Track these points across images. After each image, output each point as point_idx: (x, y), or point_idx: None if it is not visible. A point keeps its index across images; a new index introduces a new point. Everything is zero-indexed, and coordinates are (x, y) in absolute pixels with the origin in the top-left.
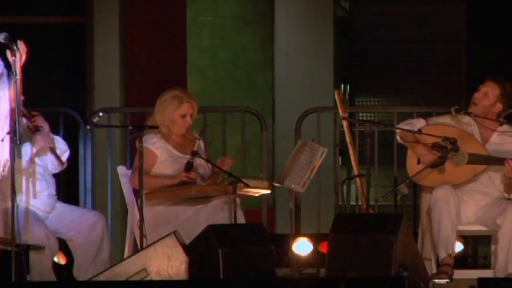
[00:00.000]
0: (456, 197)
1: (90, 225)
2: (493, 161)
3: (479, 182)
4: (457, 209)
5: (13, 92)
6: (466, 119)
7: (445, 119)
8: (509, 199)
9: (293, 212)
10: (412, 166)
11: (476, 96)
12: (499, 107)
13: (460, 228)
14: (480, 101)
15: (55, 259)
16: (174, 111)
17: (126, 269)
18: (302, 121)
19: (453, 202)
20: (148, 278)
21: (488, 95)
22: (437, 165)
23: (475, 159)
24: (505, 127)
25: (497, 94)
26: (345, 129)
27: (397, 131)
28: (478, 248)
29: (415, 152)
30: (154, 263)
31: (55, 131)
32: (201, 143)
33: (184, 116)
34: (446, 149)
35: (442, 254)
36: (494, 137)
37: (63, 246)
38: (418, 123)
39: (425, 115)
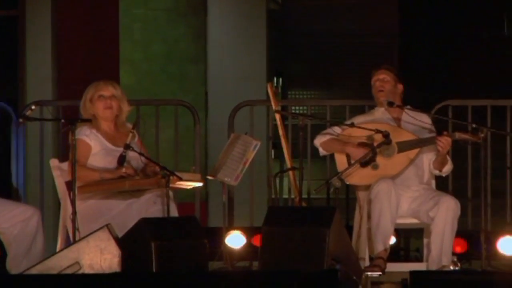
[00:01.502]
0: (396, 191)
1: (25, 218)
2: (421, 143)
3: (409, 173)
4: (397, 203)
5: None
6: (384, 112)
7: (365, 117)
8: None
9: (226, 205)
10: (343, 165)
11: (379, 84)
12: (400, 87)
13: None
14: (384, 86)
15: None
16: (93, 94)
17: (59, 263)
18: (235, 114)
19: (394, 196)
20: (80, 271)
21: (386, 79)
22: (368, 162)
23: (404, 146)
24: (410, 112)
25: (392, 76)
26: (278, 122)
27: (318, 144)
28: (410, 241)
29: (346, 153)
30: (87, 257)
31: None
32: (135, 136)
33: (103, 97)
34: (372, 145)
35: (379, 248)
36: (403, 124)
37: None
38: (335, 130)
39: (358, 109)
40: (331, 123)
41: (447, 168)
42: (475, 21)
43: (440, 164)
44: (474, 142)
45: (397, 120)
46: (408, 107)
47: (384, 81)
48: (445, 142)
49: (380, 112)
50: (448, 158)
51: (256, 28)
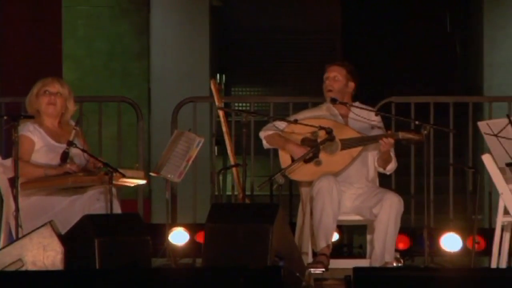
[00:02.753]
0: (338, 187)
1: None
2: (365, 141)
3: (353, 170)
4: (339, 199)
5: None
6: (331, 109)
7: (311, 113)
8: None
9: (169, 202)
10: (286, 161)
11: (328, 83)
12: (351, 85)
13: (338, 218)
14: (333, 86)
15: None
16: (40, 89)
17: (1, 259)
18: (178, 111)
19: (335, 192)
20: (23, 268)
21: (337, 77)
22: (311, 158)
23: (348, 143)
24: (358, 110)
25: (344, 74)
26: (221, 119)
27: (263, 137)
28: (353, 237)
29: (288, 150)
30: (30, 253)
31: None
32: (78, 133)
33: (48, 93)
34: (316, 142)
35: (322, 244)
36: (350, 121)
37: None
38: (280, 125)
39: (301, 105)
40: (275, 119)
41: (391, 167)
42: (418, 18)
43: (384, 162)
44: (417, 141)
45: (344, 117)
46: (357, 103)
47: (334, 80)
48: (386, 141)
49: (327, 108)
50: (393, 156)
51: (199, 25)
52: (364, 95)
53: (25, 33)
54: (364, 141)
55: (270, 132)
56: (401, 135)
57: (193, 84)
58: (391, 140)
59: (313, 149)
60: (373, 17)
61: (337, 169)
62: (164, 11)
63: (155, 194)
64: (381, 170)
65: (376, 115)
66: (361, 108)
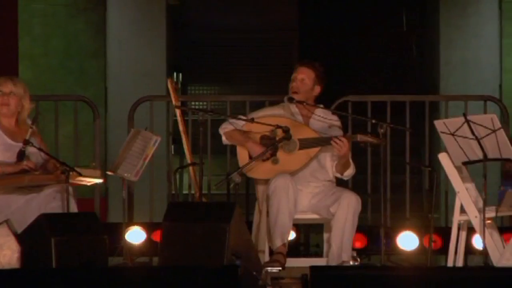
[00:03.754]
0: (295, 186)
1: None
2: (322, 141)
3: (310, 169)
4: (295, 198)
5: None
6: (291, 107)
7: (272, 111)
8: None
9: (126, 201)
10: (244, 159)
11: (295, 85)
12: (317, 89)
13: (294, 216)
14: (300, 88)
15: None
16: None
17: None
18: (135, 110)
19: (291, 191)
20: None
21: (305, 81)
22: (269, 157)
23: (306, 143)
24: (319, 110)
25: (313, 77)
26: (178, 118)
27: (222, 132)
28: (310, 236)
29: (246, 148)
30: None
31: None
32: (34, 132)
33: (1, 93)
34: (275, 140)
35: (278, 243)
36: (311, 121)
37: None
38: (237, 124)
39: (258, 104)
40: (232, 117)
41: (349, 172)
42: (374, 17)
43: (342, 168)
44: (375, 144)
45: (306, 117)
46: (321, 106)
47: (302, 82)
48: (339, 143)
49: (287, 107)
50: (351, 162)
51: (156, 24)
52: (321, 94)
53: None
54: (322, 141)
55: (230, 128)
56: (359, 137)
57: (150, 83)
58: (345, 141)
59: (270, 147)
60: (330, 15)
61: (293, 168)
62: (120, 10)
63: (111, 193)
64: (338, 175)
65: (333, 114)
66: (321, 108)
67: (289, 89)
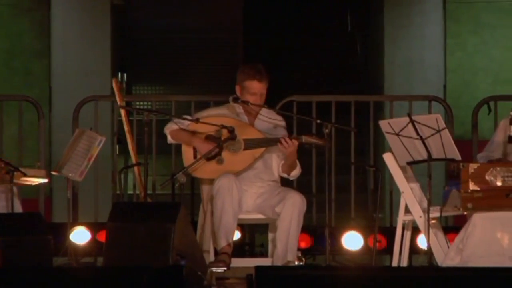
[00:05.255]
0: (239, 186)
1: None
2: (268, 142)
3: (255, 169)
4: (240, 198)
5: None
6: (237, 108)
7: (218, 110)
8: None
9: (71, 201)
10: (189, 159)
11: (255, 99)
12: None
13: (239, 216)
14: (261, 100)
15: None
16: None
17: None
18: (79, 110)
19: (235, 191)
20: None
21: (263, 93)
22: (214, 156)
23: (251, 144)
24: (264, 110)
25: (267, 87)
26: (123, 118)
27: (168, 132)
28: (255, 236)
29: (193, 146)
30: None
31: None
32: None
33: None
34: (220, 139)
35: (222, 243)
36: (257, 121)
37: None
38: (182, 124)
39: (203, 104)
40: (177, 117)
41: (295, 173)
42: (319, 17)
43: (289, 168)
44: (320, 146)
45: (251, 117)
46: (266, 106)
47: (262, 95)
48: (285, 144)
49: (234, 107)
50: (298, 163)
51: (101, 23)
52: (266, 94)
53: None
54: (267, 142)
55: (176, 127)
56: (305, 138)
57: (95, 82)
58: (291, 142)
59: (215, 148)
60: (274, 16)
61: (238, 169)
62: (65, 10)
63: (56, 193)
64: (284, 175)
65: (277, 114)
66: (266, 108)
67: (246, 95)
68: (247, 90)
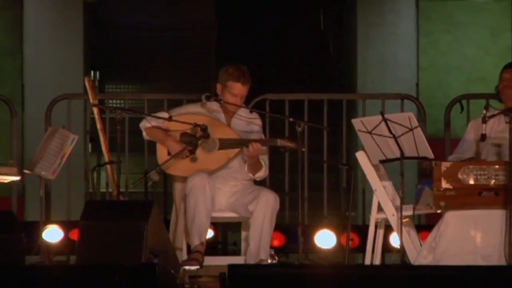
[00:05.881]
0: (212, 185)
1: None
2: (242, 143)
3: (230, 168)
4: (212, 197)
5: None
6: (214, 106)
7: (194, 108)
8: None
9: (43, 199)
10: (163, 156)
11: (236, 101)
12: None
13: (212, 215)
14: (240, 102)
15: None
16: None
17: None
18: (52, 108)
19: (208, 190)
20: None
21: (243, 94)
22: (188, 154)
23: (226, 144)
24: (242, 110)
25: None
26: (96, 116)
27: (143, 128)
28: (228, 234)
29: (166, 145)
30: None
31: None
32: None
33: None
34: (195, 137)
35: (195, 241)
36: (233, 120)
37: None
38: (162, 115)
39: (176, 102)
40: (149, 116)
41: (260, 174)
42: (292, 14)
43: (252, 169)
44: (294, 149)
45: (228, 116)
46: (243, 105)
47: (242, 97)
48: (251, 148)
49: (212, 105)
50: (263, 164)
51: (73, 22)
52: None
53: None
54: (242, 143)
55: (151, 124)
56: (280, 142)
57: (67, 81)
58: (259, 146)
59: (189, 145)
60: (248, 14)
61: (211, 168)
62: (37, 8)
63: (29, 191)
64: (250, 175)
65: (250, 112)
66: (244, 107)
67: (228, 97)
68: (229, 90)
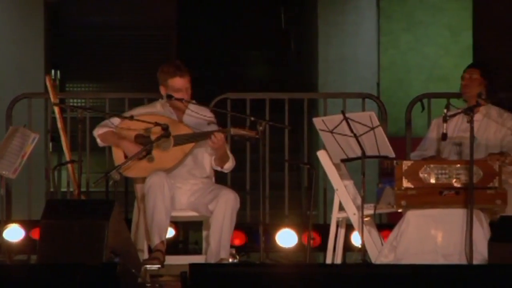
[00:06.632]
0: (170, 184)
1: None
2: (196, 137)
3: (187, 166)
4: (171, 196)
5: None
6: (164, 105)
7: (146, 109)
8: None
9: (4, 199)
10: (120, 159)
11: (182, 95)
12: None
13: (173, 214)
14: (188, 96)
15: None
16: None
17: None
18: (12, 107)
19: (167, 188)
20: None
21: (188, 86)
22: (144, 155)
23: (180, 140)
24: (192, 106)
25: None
26: (57, 115)
27: (96, 135)
28: (189, 233)
29: (121, 148)
30: None
31: None
32: None
33: None
34: (149, 138)
35: (156, 240)
36: (185, 117)
37: None
38: (115, 121)
39: (137, 101)
40: (110, 115)
41: (229, 165)
42: (253, 13)
43: (220, 161)
44: (251, 138)
45: (180, 113)
46: (193, 101)
47: (187, 90)
48: (214, 138)
49: (161, 105)
50: (230, 155)
51: (33, 21)
52: (200, 91)
53: None
54: (196, 137)
55: (104, 130)
56: (233, 131)
57: (28, 80)
58: (221, 136)
59: (146, 146)
60: (208, 13)
61: (169, 166)
62: None
63: None
64: (218, 169)
65: (211, 111)
66: (194, 104)
67: (176, 95)
68: (171, 88)
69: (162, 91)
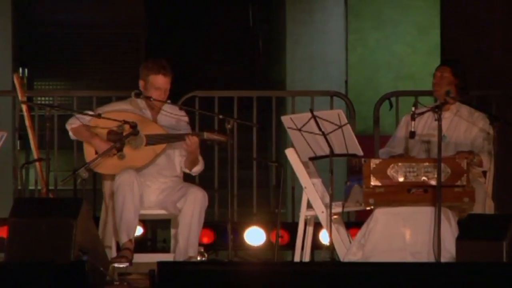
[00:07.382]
0: (140, 182)
1: None
2: (169, 138)
3: (158, 165)
4: (141, 194)
5: None
6: (140, 103)
7: (121, 106)
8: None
9: None
10: (91, 155)
11: (159, 94)
12: None
13: (141, 212)
14: (165, 97)
15: None
16: None
17: None
18: None
19: (136, 187)
20: None
21: (167, 87)
22: (115, 152)
23: (153, 140)
24: (167, 106)
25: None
26: (25, 113)
27: (69, 128)
28: (157, 232)
29: (92, 145)
30: None
31: None
32: None
33: None
34: (123, 135)
35: (124, 238)
36: (160, 116)
37: None
38: (84, 119)
39: (105, 99)
40: (78, 113)
41: (197, 168)
42: (221, 11)
43: (191, 164)
44: (222, 142)
45: (154, 113)
46: (169, 101)
47: (166, 91)
48: (188, 141)
49: (138, 102)
50: (200, 159)
51: (1, 18)
52: (169, 89)
53: None
54: (169, 138)
55: (77, 124)
56: (206, 135)
57: None
58: (195, 139)
59: (117, 144)
60: (177, 11)
61: (139, 164)
62: None
63: None
64: (187, 171)
65: (180, 109)
66: (169, 103)
67: (156, 96)
68: (151, 85)
69: (141, 85)
